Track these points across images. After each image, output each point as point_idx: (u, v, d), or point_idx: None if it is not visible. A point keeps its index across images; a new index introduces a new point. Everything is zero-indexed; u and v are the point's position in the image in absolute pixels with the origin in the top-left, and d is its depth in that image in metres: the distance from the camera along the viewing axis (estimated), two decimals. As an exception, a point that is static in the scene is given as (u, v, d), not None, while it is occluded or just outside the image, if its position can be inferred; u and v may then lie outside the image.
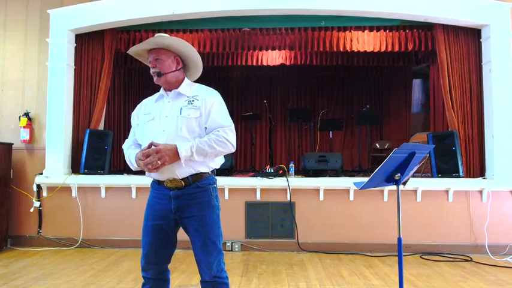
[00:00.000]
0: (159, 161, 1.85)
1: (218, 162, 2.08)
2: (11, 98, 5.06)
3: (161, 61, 2.03)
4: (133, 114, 2.18)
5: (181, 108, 1.98)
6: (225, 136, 1.95)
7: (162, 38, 2.02)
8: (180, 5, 4.83)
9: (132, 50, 2.11)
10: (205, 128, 1.98)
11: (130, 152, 2.08)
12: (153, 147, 1.89)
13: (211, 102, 2.00)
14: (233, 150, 2.01)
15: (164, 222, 1.99)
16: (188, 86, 2.09)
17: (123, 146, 2.17)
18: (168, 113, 2.00)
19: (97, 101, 5.06)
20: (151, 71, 2.06)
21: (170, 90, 2.06)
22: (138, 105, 2.18)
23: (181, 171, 1.93)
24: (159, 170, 1.90)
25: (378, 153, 7.63)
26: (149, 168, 1.89)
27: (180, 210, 1.97)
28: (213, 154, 1.95)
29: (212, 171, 2.06)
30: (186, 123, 1.95)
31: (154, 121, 2.01)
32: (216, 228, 1.99)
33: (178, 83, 2.07)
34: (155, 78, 2.06)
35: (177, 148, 1.88)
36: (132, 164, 2.04)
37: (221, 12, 4.88)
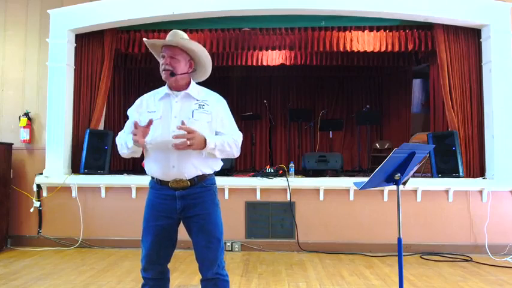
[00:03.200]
0: (189, 141, 1.83)
1: (219, 164, 2.12)
2: (11, 98, 5.06)
3: (177, 61, 2.01)
4: (131, 109, 2.13)
5: (193, 111, 2.00)
6: (237, 141, 2.05)
7: (187, 41, 2.01)
8: (180, 5, 4.83)
9: (151, 42, 2.08)
10: (216, 132, 2.04)
11: (127, 137, 2.00)
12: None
13: (222, 110, 2.08)
14: (237, 155, 2.09)
15: (167, 222, 2.01)
16: (196, 89, 2.09)
17: (117, 138, 2.12)
18: (177, 114, 1.99)
19: (97, 101, 5.06)
20: (163, 67, 2.01)
21: (177, 90, 2.05)
22: (138, 101, 2.13)
23: (190, 172, 1.97)
24: (182, 150, 1.85)
25: (378, 153, 7.62)
26: (178, 145, 1.82)
27: (186, 209, 1.99)
28: (226, 154, 2.02)
29: (214, 172, 2.10)
30: (198, 126, 1.94)
31: (161, 120, 1.99)
32: (219, 226, 2.04)
33: (186, 84, 2.07)
34: (164, 76, 2.02)
35: (205, 139, 1.90)
36: (128, 146, 1.98)
37: (221, 12, 4.88)
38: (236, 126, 2.12)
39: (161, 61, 2.03)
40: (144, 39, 2.13)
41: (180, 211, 1.99)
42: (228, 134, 2.04)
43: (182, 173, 1.96)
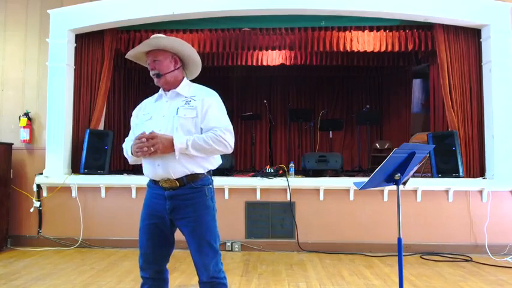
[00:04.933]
0: (152, 148, 1.85)
1: (214, 163, 2.06)
2: (11, 98, 5.06)
3: (159, 62, 2.03)
4: (133, 113, 2.19)
5: (178, 108, 1.98)
6: (222, 135, 1.92)
7: (158, 40, 2.01)
8: (180, 5, 4.83)
9: (130, 55, 2.12)
10: (201, 128, 1.97)
11: (128, 144, 2.07)
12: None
13: (209, 103, 1.99)
14: (230, 151, 1.98)
15: (160, 221, 1.99)
16: (186, 86, 2.09)
17: (123, 145, 2.16)
18: (165, 113, 2.00)
19: (97, 101, 5.06)
20: (151, 73, 2.05)
21: (169, 90, 2.06)
22: (139, 105, 2.19)
23: (176, 171, 1.93)
24: (151, 156, 1.89)
25: (378, 153, 7.62)
26: (142, 153, 1.87)
27: (175, 211, 1.96)
28: (209, 151, 1.93)
29: (208, 171, 2.04)
30: (182, 123, 1.95)
31: (151, 121, 2.02)
32: (211, 229, 1.98)
33: (177, 83, 2.07)
34: (155, 80, 2.06)
35: (173, 139, 1.88)
36: (129, 155, 2.04)
37: (221, 12, 4.88)
38: (226, 121, 2.00)
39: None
40: (126, 55, 2.15)
41: (170, 212, 1.96)
42: (212, 129, 1.93)
43: (168, 172, 1.93)
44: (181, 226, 1.99)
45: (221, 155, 2.09)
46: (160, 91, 2.10)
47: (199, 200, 1.97)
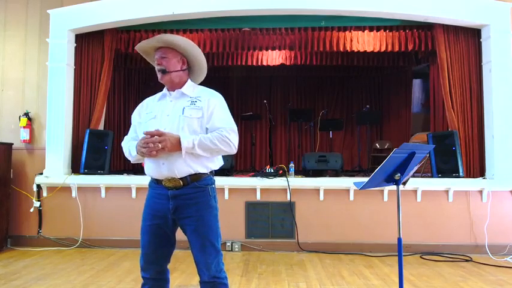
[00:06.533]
0: (159, 144, 1.85)
1: (217, 163, 2.07)
2: (11, 98, 5.06)
3: (167, 59, 2.05)
4: (134, 112, 2.18)
5: (184, 108, 1.99)
6: (227, 136, 1.94)
7: (171, 37, 2.04)
8: (180, 5, 4.83)
9: (140, 46, 2.12)
10: (207, 128, 1.98)
11: (130, 143, 2.07)
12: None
13: (214, 104, 2.01)
14: (234, 151, 2.00)
15: (162, 221, 1.99)
16: (191, 87, 2.10)
17: (122, 143, 2.16)
18: (169, 112, 2.01)
19: (97, 101, 5.06)
20: (157, 68, 2.06)
21: (173, 90, 2.07)
22: (140, 104, 2.18)
23: (181, 170, 1.93)
24: (158, 154, 1.88)
25: (378, 153, 7.62)
26: (149, 150, 1.86)
27: (178, 210, 1.96)
28: (214, 151, 1.95)
29: (211, 172, 2.05)
30: (188, 123, 1.96)
31: (155, 119, 2.01)
32: (214, 229, 1.99)
33: (181, 84, 2.08)
34: (159, 76, 2.06)
35: (180, 138, 1.88)
36: (131, 154, 2.04)
37: (221, 12, 4.89)
38: (230, 122, 2.01)
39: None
40: (136, 46, 2.15)
41: (173, 211, 1.96)
42: (218, 129, 1.95)
43: (173, 171, 1.93)
44: (184, 225, 1.99)
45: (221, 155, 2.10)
46: (164, 90, 2.10)
47: (202, 200, 1.98)
